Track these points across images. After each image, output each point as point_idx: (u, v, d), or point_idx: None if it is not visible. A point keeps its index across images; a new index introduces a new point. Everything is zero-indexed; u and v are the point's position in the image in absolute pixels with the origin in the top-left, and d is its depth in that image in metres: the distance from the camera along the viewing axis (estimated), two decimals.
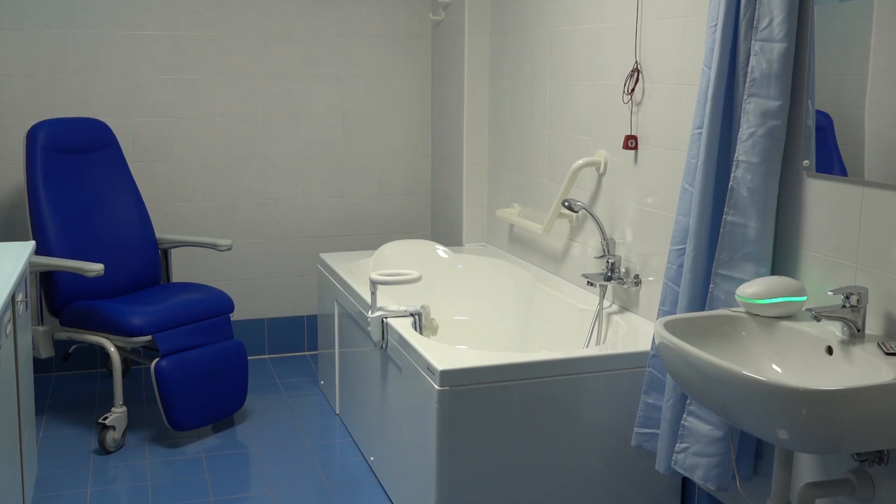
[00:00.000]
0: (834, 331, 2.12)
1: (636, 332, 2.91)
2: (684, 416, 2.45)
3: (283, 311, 4.55)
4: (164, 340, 3.43)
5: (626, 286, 3.07)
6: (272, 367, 4.38)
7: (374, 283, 3.01)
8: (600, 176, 3.25)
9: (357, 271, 3.72)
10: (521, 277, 3.74)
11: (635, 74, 2.95)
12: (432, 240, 4.47)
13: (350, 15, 4.43)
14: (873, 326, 2.11)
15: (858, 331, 2.07)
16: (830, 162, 2.23)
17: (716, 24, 2.34)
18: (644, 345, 2.72)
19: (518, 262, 3.89)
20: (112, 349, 3.46)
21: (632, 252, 3.08)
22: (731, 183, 2.33)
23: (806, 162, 2.28)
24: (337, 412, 3.80)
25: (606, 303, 3.16)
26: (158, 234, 3.99)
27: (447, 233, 4.47)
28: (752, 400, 1.86)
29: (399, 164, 4.64)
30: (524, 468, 2.62)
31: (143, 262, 3.86)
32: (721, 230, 2.35)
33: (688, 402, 2.44)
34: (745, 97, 2.30)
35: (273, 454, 3.43)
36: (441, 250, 4.02)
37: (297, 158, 4.47)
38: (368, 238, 4.57)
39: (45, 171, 3.64)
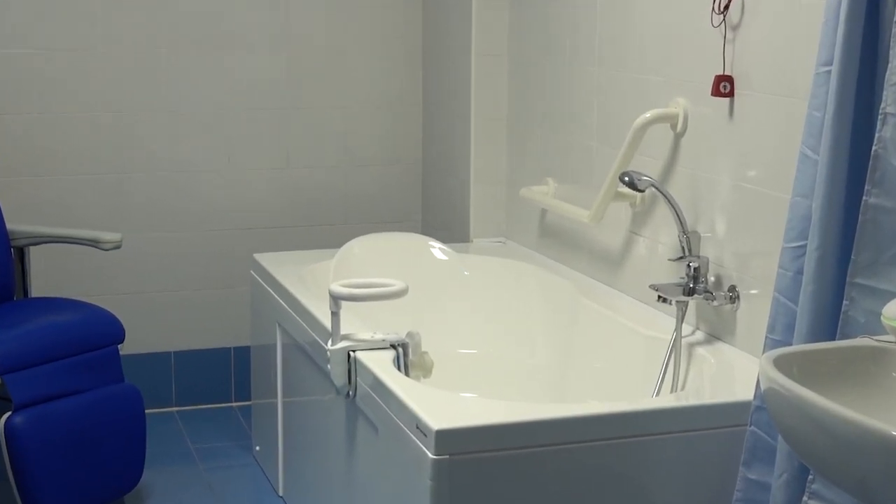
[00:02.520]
0: None
1: (731, 373, 2.92)
2: (804, 498, 2.45)
3: (199, 342, 4.56)
4: (18, 385, 3.43)
5: (716, 303, 3.08)
6: (182, 426, 4.39)
7: (336, 299, 3.02)
8: (677, 137, 3.26)
9: (311, 281, 3.72)
10: (557, 289, 3.75)
11: None
12: (424, 233, 4.47)
13: None
14: None
15: None
16: None
17: None
18: (744, 392, 2.72)
19: (553, 265, 3.90)
20: None
21: (725, 251, 3.09)
22: (874, 147, 2.33)
23: None
24: (280, 493, 3.81)
25: (687, 328, 3.17)
26: (10, 225, 3.98)
27: (447, 222, 4.48)
28: None
29: (374, 120, 4.64)
30: None
31: None
32: (860, 219, 2.35)
33: (809, 477, 2.45)
34: None
35: None
36: (437, 249, 4.03)
37: (222, 111, 4.48)
38: (328, 230, 4.57)
39: None
